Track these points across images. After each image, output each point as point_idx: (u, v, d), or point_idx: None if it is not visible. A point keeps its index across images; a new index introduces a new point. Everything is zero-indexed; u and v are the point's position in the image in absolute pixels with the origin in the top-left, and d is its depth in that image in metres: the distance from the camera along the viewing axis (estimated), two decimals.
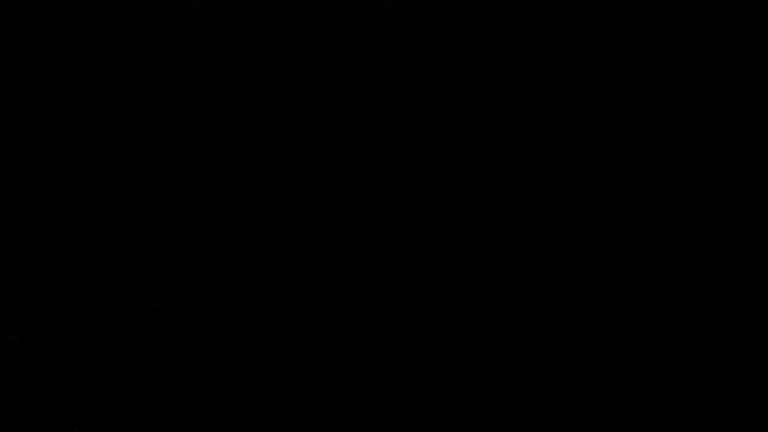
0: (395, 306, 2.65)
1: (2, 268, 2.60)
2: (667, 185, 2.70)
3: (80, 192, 2.63)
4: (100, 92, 2.64)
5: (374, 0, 2.66)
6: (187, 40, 2.66)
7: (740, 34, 2.71)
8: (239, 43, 2.67)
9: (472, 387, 2.62)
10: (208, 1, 2.65)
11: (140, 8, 2.63)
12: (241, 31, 2.68)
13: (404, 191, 2.68)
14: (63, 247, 2.62)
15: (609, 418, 2.60)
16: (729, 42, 2.71)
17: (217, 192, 2.65)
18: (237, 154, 2.66)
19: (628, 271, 2.66)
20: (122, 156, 2.65)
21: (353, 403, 2.64)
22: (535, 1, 2.69)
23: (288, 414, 2.62)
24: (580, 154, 2.69)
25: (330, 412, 2.63)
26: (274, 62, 2.68)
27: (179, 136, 2.65)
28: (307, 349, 2.63)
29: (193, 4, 2.63)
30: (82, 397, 2.59)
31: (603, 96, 2.71)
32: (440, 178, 2.68)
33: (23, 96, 2.62)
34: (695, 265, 2.66)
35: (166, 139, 2.65)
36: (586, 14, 2.69)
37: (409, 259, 2.65)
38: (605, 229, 2.67)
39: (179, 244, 2.64)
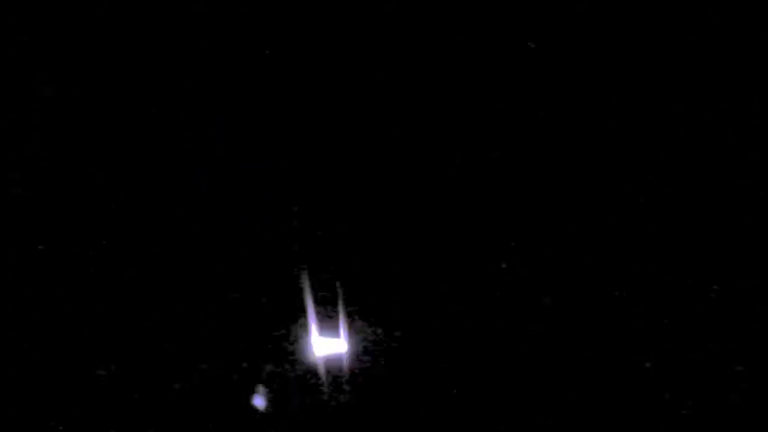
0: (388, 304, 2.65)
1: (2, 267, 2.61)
2: (666, 185, 2.69)
3: (79, 191, 2.64)
4: (96, 92, 2.65)
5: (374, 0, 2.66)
6: (185, 40, 2.66)
7: (740, 34, 2.71)
8: (237, 44, 2.68)
9: (464, 386, 2.62)
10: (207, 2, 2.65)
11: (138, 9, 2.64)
12: (239, 32, 2.68)
13: (398, 191, 2.68)
14: (58, 246, 2.62)
15: (606, 417, 2.60)
16: (729, 42, 2.70)
17: (210, 193, 2.65)
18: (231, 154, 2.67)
19: (625, 269, 2.65)
20: (121, 155, 2.66)
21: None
22: (535, 1, 2.69)
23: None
24: (576, 154, 2.69)
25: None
26: (271, 62, 2.69)
27: (173, 135, 2.66)
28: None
29: (191, 6, 2.64)
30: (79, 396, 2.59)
31: (601, 95, 2.71)
32: (435, 178, 2.68)
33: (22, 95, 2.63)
34: (692, 265, 2.66)
35: (160, 138, 2.66)
36: (585, 13, 2.69)
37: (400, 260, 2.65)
38: (602, 229, 2.67)
39: (175, 243, 2.64)
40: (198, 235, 2.63)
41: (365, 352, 2.63)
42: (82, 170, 2.66)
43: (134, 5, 2.63)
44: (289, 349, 2.62)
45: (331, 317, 2.62)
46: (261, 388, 2.59)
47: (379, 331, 2.63)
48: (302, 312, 2.61)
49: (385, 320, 2.64)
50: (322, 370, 2.60)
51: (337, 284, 2.61)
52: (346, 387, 2.61)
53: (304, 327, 2.62)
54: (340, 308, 2.63)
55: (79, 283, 2.63)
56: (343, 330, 2.63)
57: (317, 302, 2.59)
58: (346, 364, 2.63)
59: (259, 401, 2.55)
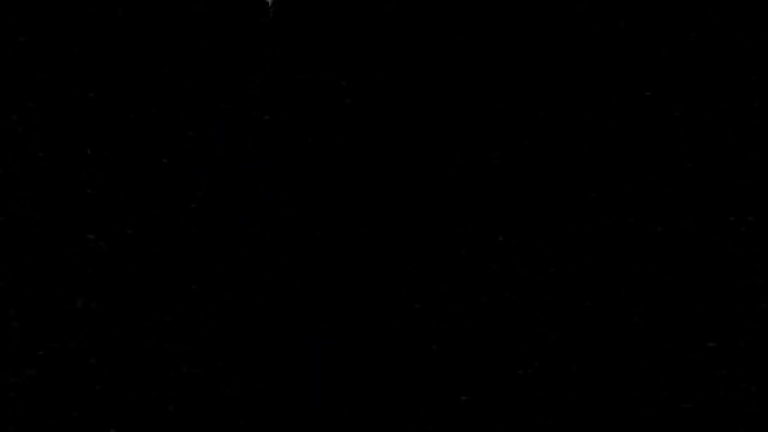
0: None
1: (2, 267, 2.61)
2: (666, 185, 2.69)
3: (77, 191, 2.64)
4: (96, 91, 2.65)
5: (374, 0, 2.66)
6: (183, 40, 2.66)
7: (740, 34, 2.71)
8: (235, 44, 2.68)
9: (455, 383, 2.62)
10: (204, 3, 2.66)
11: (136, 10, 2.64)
12: (238, 32, 2.68)
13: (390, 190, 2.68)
14: (57, 246, 2.62)
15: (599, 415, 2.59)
16: (729, 42, 2.71)
17: (208, 195, 2.65)
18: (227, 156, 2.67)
19: (621, 269, 2.65)
20: (120, 155, 2.65)
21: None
22: (535, 1, 2.69)
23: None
24: (576, 155, 2.69)
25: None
26: (270, 62, 2.69)
27: (171, 135, 2.66)
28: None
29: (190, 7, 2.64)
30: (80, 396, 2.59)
31: (599, 95, 2.71)
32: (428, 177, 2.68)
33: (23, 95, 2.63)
34: (690, 264, 2.66)
35: (158, 139, 2.65)
36: (585, 13, 2.69)
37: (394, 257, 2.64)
38: (598, 228, 2.67)
39: (172, 245, 2.64)
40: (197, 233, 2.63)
41: None
42: (81, 170, 2.66)
43: (134, 5, 2.63)
44: None
45: None
46: None
47: None
48: None
49: None
50: None
51: None
52: None
53: None
54: None
55: (78, 282, 2.63)
56: None
57: None
58: None
59: None
